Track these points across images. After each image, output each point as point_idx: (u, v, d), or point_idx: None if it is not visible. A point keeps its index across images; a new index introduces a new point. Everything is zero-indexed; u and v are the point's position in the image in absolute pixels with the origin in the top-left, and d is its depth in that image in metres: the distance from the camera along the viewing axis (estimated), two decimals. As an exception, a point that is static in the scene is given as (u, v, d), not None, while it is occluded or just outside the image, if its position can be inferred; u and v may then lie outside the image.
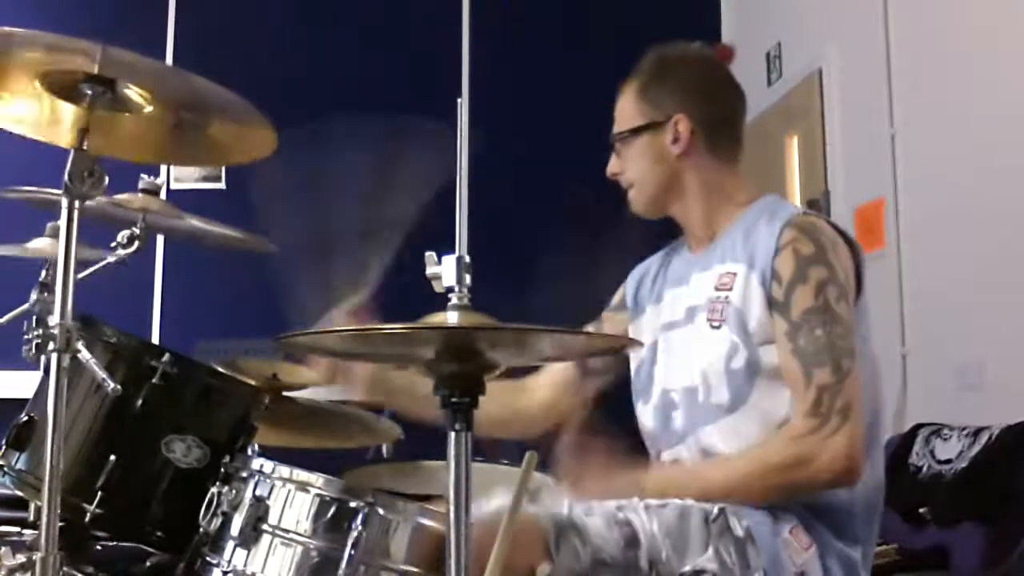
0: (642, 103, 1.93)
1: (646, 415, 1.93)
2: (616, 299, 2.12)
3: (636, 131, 1.93)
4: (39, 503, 1.68)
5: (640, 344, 1.91)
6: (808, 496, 1.71)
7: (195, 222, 2.30)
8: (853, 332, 1.72)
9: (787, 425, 1.70)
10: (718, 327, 1.79)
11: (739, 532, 1.64)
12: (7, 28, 1.49)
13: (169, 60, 4.48)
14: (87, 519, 1.87)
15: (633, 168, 1.94)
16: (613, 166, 1.98)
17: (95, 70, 1.57)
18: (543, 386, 2.08)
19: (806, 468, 1.65)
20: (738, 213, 1.89)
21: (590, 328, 2.10)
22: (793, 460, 1.66)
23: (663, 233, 2.06)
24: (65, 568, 1.71)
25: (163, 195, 2.26)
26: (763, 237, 1.79)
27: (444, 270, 1.25)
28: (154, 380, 1.92)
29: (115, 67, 1.58)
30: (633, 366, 1.99)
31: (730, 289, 1.80)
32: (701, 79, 1.98)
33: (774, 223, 1.79)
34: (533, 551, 1.55)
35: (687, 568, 1.60)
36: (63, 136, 1.70)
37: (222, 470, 1.86)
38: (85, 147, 1.60)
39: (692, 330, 1.86)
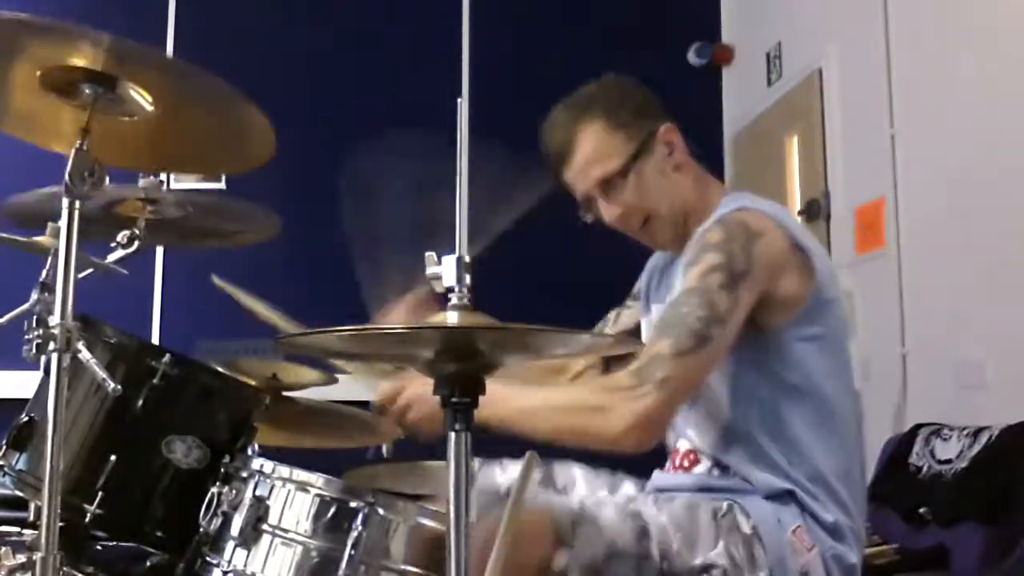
0: (618, 133, 1.83)
1: None
2: (636, 288, 2.09)
3: (633, 160, 1.82)
4: (39, 503, 1.68)
5: (641, 344, 1.91)
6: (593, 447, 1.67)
7: (196, 220, 2.28)
8: (727, 320, 1.65)
9: (611, 375, 1.68)
10: None
11: (746, 530, 1.66)
12: (9, 13, 1.48)
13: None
14: (87, 519, 1.87)
15: (643, 199, 1.84)
16: (612, 211, 1.84)
17: (96, 63, 1.57)
18: (575, 370, 2.04)
19: (603, 417, 1.60)
20: (709, 212, 1.85)
21: (612, 315, 2.11)
22: (597, 405, 1.62)
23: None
24: (65, 568, 1.71)
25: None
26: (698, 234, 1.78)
27: (444, 270, 1.25)
28: (154, 380, 1.93)
29: (117, 58, 1.57)
30: None
31: None
32: (644, 92, 1.91)
33: (711, 220, 1.78)
34: (545, 543, 1.55)
35: (698, 561, 1.61)
36: (63, 138, 1.70)
37: (222, 470, 1.86)
38: (85, 147, 1.60)
39: None
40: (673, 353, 1.62)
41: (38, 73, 1.60)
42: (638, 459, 1.91)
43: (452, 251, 1.25)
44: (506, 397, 1.62)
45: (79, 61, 1.58)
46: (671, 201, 1.86)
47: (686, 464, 1.85)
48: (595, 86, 1.90)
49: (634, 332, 2.04)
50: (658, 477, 1.90)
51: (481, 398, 1.59)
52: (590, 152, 1.83)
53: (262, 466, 1.79)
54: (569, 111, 1.86)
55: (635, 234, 1.89)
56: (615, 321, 2.10)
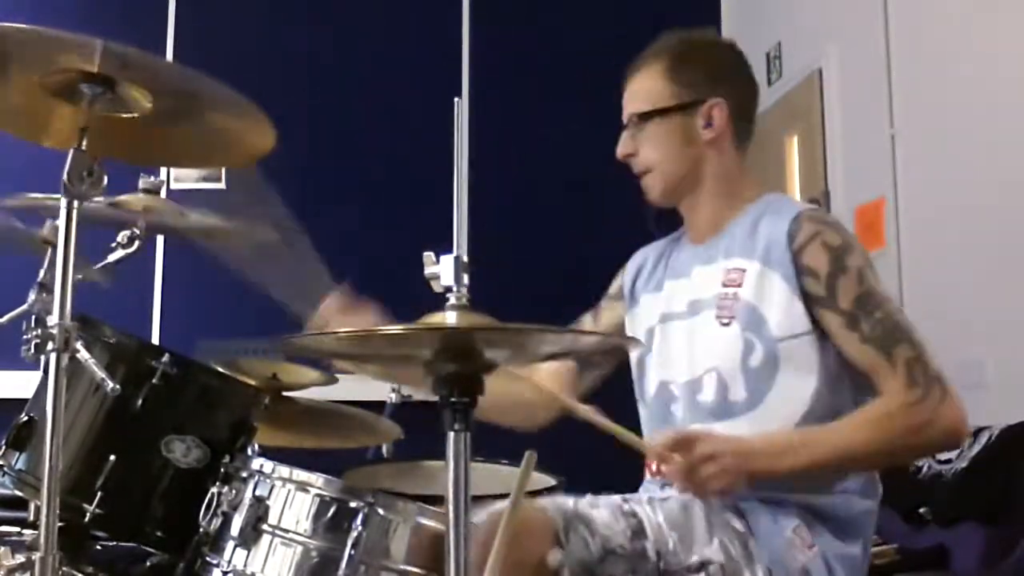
0: (672, 83, 1.85)
1: (643, 406, 1.93)
2: (614, 288, 2.07)
3: (665, 111, 1.84)
4: (39, 503, 1.68)
5: (640, 343, 1.90)
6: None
7: (196, 218, 2.28)
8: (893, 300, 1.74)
9: (889, 397, 1.68)
10: (727, 324, 1.77)
11: (739, 527, 1.66)
12: (7, 24, 1.49)
13: (169, 59, 4.47)
14: (87, 519, 1.87)
15: (654, 150, 1.86)
16: (626, 147, 1.88)
17: (95, 67, 1.57)
18: (543, 376, 2.01)
19: (925, 433, 1.66)
20: (743, 208, 1.86)
21: (587, 317, 2.08)
22: (915, 426, 1.66)
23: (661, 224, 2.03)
24: (65, 568, 1.72)
25: (163, 195, 2.25)
26: (774, 232, 1.76)
27: (442, 270, 1.25)
28: (154, 380, 1.93)
29: (115, 63, 1.58)
30: (633, 358, 1.97)
31: (739, 285, 1.78)
32: (733, 64, 1.93)
33: (783, 217, 1.77)
34: (541, 541, 1.55)
35: (694, 559, 1.61)
36: (62, 137, 1.70)
37: (222, 470, 1.86)
38: (84, 147, 1.60)
39: (696, 324, 1.83)
40: (920, 350, 1.68)
41: (36, 78, 1.60)
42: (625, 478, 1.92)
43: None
44: (806, 443, 1.66)
45: (75, 64, 1.58)
46: (676, 168, 1.86)
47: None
48: (695, 35, 1.95)
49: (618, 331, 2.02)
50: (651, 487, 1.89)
51: (769, 455, 1.65)
52: (639, 86, 1.89)
53: (262, 466, 1.79)
54: (662, 42, 1.92)
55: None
56: (594, 323, 2.08)
